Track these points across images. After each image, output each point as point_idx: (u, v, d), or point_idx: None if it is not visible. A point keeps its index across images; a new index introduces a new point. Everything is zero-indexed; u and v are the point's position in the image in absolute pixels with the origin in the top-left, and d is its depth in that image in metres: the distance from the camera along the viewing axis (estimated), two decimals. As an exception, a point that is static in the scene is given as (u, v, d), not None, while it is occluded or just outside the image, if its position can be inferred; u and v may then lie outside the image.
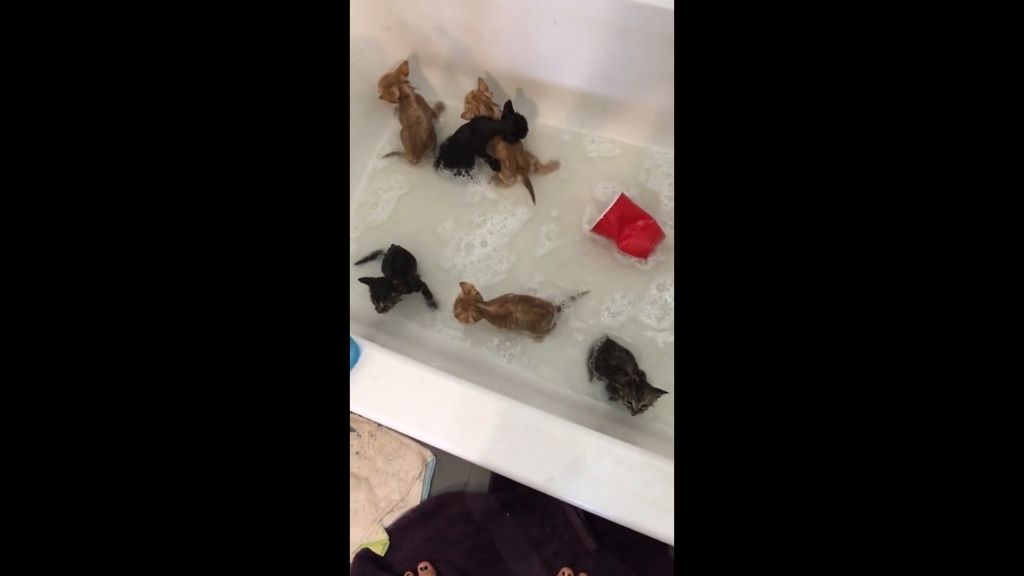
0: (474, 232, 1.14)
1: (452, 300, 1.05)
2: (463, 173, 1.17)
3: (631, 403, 0.88)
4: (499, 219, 1.14)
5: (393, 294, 1.01)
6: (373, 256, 1.12)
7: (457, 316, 0.98)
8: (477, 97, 1.11)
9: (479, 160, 1.17)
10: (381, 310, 1.02)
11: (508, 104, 1.10)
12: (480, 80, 1.12)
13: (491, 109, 1.12)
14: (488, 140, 1.13)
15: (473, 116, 1.11)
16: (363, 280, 1.03)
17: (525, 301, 0.99)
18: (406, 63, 1.11)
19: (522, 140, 1.12)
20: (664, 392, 0.89)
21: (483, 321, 1.00)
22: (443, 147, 1.18)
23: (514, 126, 1.09)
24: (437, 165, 1.18)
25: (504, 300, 0.99)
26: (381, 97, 1.13)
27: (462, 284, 0.97)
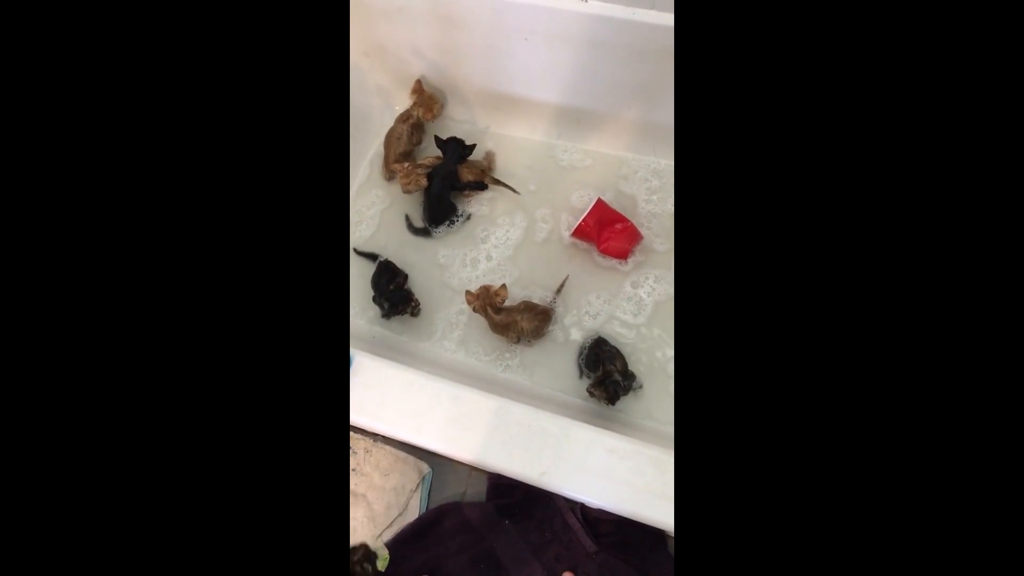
0: (479, 247, 1.16)
1: (452, 320, 1.09)
2: (454, 222, 1.17)
3: (615, 391, 0.94)
4: (501, 233, 1.17)
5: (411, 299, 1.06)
6: (372, 257, 1.15)
7: (467, 300, 1.02)
8: (408, 172, 1.15)
9: (457, 200, 1.19)
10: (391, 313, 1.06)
11: (436, 139, 1.16)
12: (399, 168, 1.17)
13: (427, 166, 1.16)
14: (456, 175, 1.16)
15: (415, 188, 1.16)
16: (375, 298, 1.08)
17: (529, 309, 1.02)
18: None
19: (472, 153, 1.17)
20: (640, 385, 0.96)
21: (477, 331, 1.03)
22: (409, 221, 1.19)
23: (455, 150, 1.15)
24: (428, 233, 1.17)
25: (510, 311, 1.01)
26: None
27: (503, 286, 1.01)
